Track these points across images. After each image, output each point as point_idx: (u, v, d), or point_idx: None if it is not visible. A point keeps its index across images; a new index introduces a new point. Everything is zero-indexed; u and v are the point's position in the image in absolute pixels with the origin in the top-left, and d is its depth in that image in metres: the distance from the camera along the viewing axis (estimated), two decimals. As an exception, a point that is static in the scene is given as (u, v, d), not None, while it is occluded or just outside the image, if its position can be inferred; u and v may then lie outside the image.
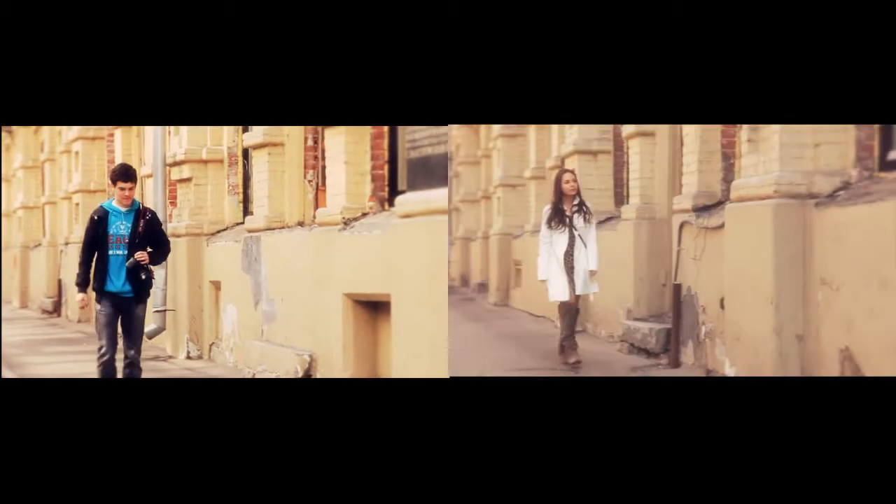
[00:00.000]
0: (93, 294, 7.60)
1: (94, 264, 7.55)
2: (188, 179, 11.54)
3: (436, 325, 6.53)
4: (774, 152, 6.58)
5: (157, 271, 7.29)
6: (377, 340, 8.02)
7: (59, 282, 17.92)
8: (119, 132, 14.80)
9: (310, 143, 9.59)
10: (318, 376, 8.40)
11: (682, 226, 8.57)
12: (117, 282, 7.49)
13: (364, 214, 8.22)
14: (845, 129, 6.38)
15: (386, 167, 8.29)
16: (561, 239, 8.73)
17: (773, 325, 6.45)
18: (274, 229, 9.69)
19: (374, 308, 7.95)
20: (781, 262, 6.43)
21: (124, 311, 7.54)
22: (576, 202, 8.78)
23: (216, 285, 11.11)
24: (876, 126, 6.25)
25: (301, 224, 9.57)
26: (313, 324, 8.54)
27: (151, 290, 7.83)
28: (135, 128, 14.42)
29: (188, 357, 11.30)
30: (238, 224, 11.11)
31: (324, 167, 8.89)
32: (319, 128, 8.89)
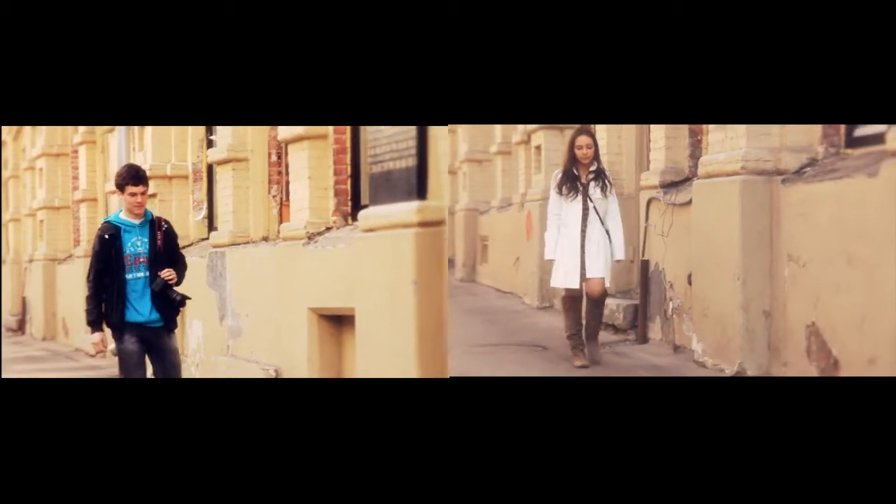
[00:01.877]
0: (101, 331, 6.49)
1: (102, 294, 6.41)
2: (153, 195, 11.52)
3: (400, 338, 6.56)
4: (741, 129, 6.60)
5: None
6: (342, 354, 8.04)
7: (24, 299, 17.81)
8: (83, 148, 14.75)
9: (273, 158, 9.62)
10: (284, 391, 8.41)
11: (649, 202, 8.62)
12: (143, 310, 6.43)
13: (328, 229, 8.25)
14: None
15: (349, 182, 8.33)
16: (573, 210, 7.54)
17: (740, 301, 6.48)
18: (239, 244, 9.70)
19: (338, 322, 7.99)
20: (748, 239, 6.46)
21: (153, 346, 6.48)
22: (593, 168, 7.67)
23: (182, 301, 11.09)
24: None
25: (266, 239, 9.58)
26: (278, 338, 8.56)
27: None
28: (99, 144, 14.39)
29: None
30: (203, 239, 11.11)
31: (287, 182, 8.92)
32: (283, 143, 8.92)
